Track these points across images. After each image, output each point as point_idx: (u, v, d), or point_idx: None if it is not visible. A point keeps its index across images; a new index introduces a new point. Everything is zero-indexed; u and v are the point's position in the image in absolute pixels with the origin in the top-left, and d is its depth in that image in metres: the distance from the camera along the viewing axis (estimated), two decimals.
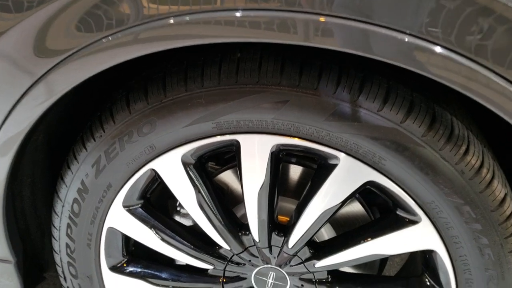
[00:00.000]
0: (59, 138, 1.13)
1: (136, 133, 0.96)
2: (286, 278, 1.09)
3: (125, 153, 0.98)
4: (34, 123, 0.91)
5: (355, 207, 1.15)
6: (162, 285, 1.13)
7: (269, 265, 1.09)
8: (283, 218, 1.14)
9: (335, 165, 0.91)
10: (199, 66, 0.89)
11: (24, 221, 1.17)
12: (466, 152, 0.85)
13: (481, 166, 0.86)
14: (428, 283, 1.00)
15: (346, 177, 0.91)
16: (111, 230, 1.09)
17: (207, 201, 1.01)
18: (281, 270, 1.08)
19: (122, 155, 0.98)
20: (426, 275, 1.01)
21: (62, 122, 1.10)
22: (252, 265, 1.09)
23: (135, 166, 1.00)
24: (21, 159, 1.03)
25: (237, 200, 1.19)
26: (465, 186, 0.86)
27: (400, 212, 0.94)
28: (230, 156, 1.21)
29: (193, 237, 1.09)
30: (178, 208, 1.20)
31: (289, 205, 1.16)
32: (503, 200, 0.88)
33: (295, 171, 1.15)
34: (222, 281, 1.12)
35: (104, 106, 1.01)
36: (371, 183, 0.92)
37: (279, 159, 0.96)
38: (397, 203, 0.93)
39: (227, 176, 1.19)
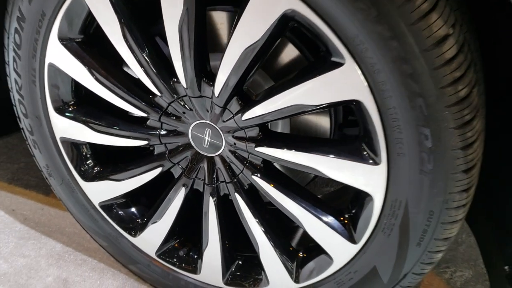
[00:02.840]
0: None
1: None
2: (221, 136, 1.02)
3: None
4: None
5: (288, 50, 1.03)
6: (102, 131, 1.12)
7: (204, 121, 1.02)
8: None
9: None
10: None
11: None
12: None
13: None
14: (362, 148, 0.88)
15: (264, 2, 0.79)
16: (52, 67, 1.07)
17: (133, 34, 0.95)
18: (215, 126, 1.01)
19: None
20: (361, 141, 0.88)
21: None
22: (188, 119, 1.03)
23: None
24: None
25: None
26: (393, 11, 0.71)
27: (331, 56, 0.82)
28: None
29: (129, 82, 1.05)
30: None
31: None
32: (444, 39, 0.72)
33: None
34: (159, 133, 1.08)
35: None
36: (294, 16, 0.79)
37: None
38: (323, 42, 0.81)
39: None
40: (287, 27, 0.83)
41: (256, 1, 0.80)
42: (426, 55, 0.72)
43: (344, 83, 0.80)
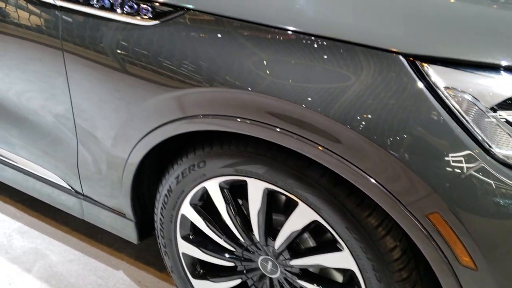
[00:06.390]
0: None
1: (197, 166, 1.69)
2: (278, 267, 1.72)
3: (191, 176, 1.72)
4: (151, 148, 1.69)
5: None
6: (208, 254, 1.86)
7: (268, 256, 1.73)
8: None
9: (297, 205, 1.51)
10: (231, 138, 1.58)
11: (143, 200, 2.00)
12: (369, 215, 1.38)
13: (378, 225, 1.38)
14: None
15: (301, 215, 1.51)
16: (183, 216, 1.85)
17: (231, 211, 1.70)
18: (275, 261, 1.72)
19: (190, 177, 1.72)
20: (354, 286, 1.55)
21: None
22: (259, 254, 1.75)
23: (195, 183, 1.73)
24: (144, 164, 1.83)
25: None
26: (366, 235, 1.39)
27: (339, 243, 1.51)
28: None
29: (226, 229, 1.79)
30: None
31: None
32: (393, 249, 1.38)
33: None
34: (241, 259, 1.81)
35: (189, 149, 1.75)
36: (317, 222, 1.49)
37: (270, 195, 1.59)
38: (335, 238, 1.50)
39: None
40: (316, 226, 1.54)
41: (298, 211, 1.51)
42: (384, 257, 1.39)
43: (345, 259, 1.49)
